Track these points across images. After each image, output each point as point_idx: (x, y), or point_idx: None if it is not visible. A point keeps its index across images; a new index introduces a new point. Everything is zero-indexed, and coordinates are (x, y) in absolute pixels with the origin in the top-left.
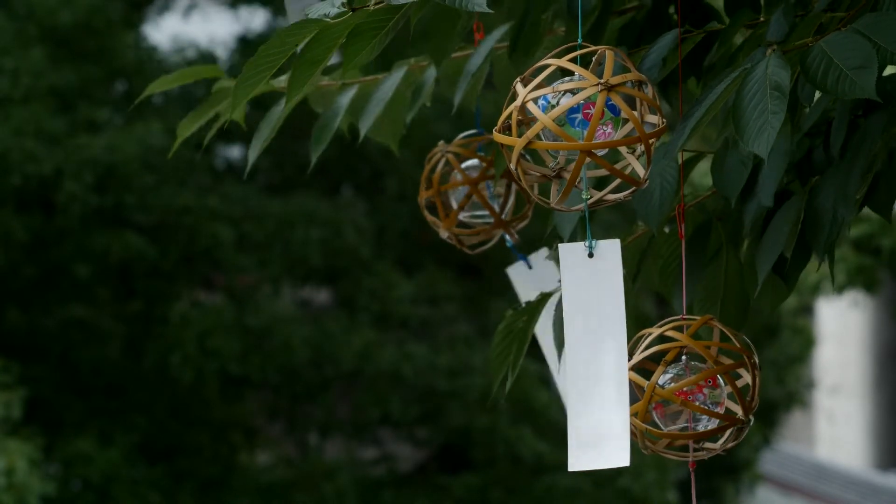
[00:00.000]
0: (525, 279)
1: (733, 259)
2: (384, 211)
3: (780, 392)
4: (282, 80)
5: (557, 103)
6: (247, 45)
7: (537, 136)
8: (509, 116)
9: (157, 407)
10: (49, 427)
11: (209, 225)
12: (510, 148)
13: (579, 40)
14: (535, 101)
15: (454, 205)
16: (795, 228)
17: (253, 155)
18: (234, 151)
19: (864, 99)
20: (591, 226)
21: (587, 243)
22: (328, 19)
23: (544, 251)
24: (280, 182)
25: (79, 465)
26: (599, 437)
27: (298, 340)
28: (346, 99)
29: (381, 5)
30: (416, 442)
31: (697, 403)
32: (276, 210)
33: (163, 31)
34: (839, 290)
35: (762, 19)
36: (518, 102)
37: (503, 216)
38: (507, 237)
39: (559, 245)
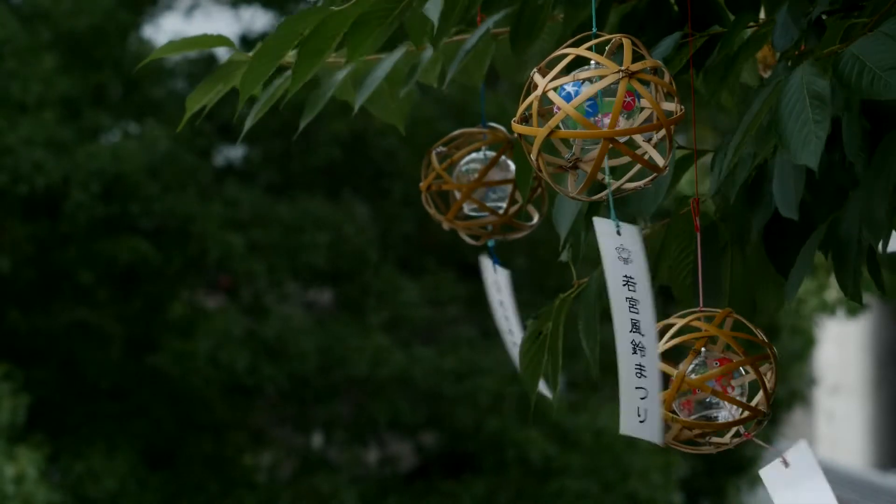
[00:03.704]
0: (488, 276)
1: (738, 259)
2: (387, 213)
3: (783, 390)
4: (290, 55)
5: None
6: (249, 44)
7: (557, 127)
8: (528, 107)
9: (160, 409)
10: (53, 431)
11: (219, 233)
12: (529, 139)
13: (594, 29)
14: (555, 90)
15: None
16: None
17: (249, 123)
18: (237, 152)
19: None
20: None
21: (614, 223)
22: (335, 7)
23: (505, 273)
24: (282, 183)
25: (86, 482)
26: (642, 409)
27: (308, 347)
28: (342, 73)
29: None
30: (423, 446)
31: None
32: (283, 215)
33: (164, 31)
34: (853, 312)
35: (763, 19)
36: (539, 92)
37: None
38: (491, 239)
39: (594, 219)
